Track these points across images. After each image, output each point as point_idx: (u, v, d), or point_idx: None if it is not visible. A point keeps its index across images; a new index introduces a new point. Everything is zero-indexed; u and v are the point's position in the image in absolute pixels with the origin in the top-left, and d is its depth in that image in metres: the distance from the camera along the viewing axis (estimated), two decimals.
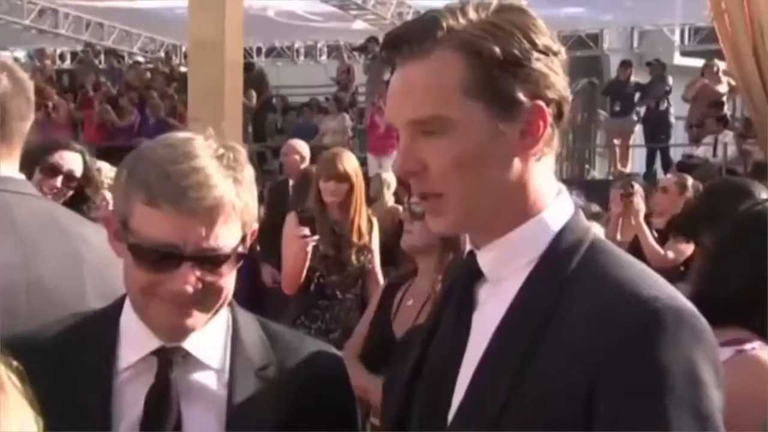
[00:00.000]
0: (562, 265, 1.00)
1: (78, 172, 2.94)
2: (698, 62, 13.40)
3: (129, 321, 1.22)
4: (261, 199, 6.05)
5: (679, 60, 14.28)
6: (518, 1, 1.03)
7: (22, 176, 1.50)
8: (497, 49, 0.97)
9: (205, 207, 1.11)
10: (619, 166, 11.31)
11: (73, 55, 15.78)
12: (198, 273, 1.13)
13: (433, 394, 1.06)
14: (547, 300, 0.97)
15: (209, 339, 1.22)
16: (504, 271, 1.03)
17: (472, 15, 0.99)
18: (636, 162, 11.93)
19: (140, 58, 15.69)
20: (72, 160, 2.99)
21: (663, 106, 11.07)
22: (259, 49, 16.36)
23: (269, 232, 4.35)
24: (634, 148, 11.81)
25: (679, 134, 11.43)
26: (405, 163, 1.01)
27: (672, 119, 11.19)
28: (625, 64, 11.60)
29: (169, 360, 1.18)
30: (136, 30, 16.18)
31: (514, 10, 1.01)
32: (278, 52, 16.67)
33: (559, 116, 1.02)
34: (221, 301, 1.19)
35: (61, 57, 16.93)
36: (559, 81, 1.01)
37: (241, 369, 1.22)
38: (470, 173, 0.98)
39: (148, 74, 13.13)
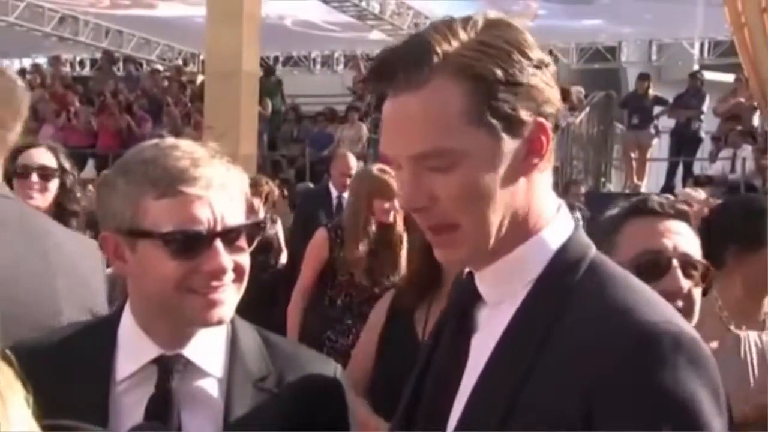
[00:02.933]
0: (559, 288, 0.96)
1: (51, 164, 2.83)
2: (718, 76, 13.33)
3: (127, 330, 1.21)
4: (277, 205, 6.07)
5: None
6: (503, 16, 0.99)
7: None
8: (498, 71, 0.93)
9: (218, 182, 1.14)
10: (635, 179, 11.23)
11: (93, 62, 15.95)
12: (229, 250, 1.15)
13: (430, 421, 1.03)
14: (542, 324, 0.94)
15: (209, 347, 1.21)
16: (502, 294, 1.00)
17: (462, 35, 0.95)
18: (653, 176, 11.84)
19: (159, 66, 15.82)
20: (40, 155, 2.87)
21: (695, 123, 10.94)
22: (276, 59, 16.46)
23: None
24: (651, 162, 11.72)
25: (704, 149, 11.34)
26: (414, 199, 0.96)
27: (702, 134, 11.09)
28: (643, 77, 11.53)
29: (170, 368, 1.17)
30: (154, 38, 16.33)
31: (503, 26, 0.97)
32: (295, 62, 16.77)
33: (555, 129, 0.99)
34: (245, 281, 1.19)
35: (81, 64, 17.13)
36: (554, 94, 0.98)
37: (239, 379, 1.21)
38: (483, 201, 0.95)
39: (165, 82, 13.23)
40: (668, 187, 10.92)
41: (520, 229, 0.98)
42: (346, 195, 5.13)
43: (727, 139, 10.22)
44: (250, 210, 1.23)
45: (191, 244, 1.12)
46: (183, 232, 1.12)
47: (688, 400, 0.87)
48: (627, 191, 10.53)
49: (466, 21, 0.97)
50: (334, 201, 5.54)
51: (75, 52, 16.85)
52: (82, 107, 12.17)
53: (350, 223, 3.72)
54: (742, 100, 10.32)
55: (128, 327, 1.21)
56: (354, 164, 5.64)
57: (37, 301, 1.37)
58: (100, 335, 1.22)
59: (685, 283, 1.46)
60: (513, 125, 0.95)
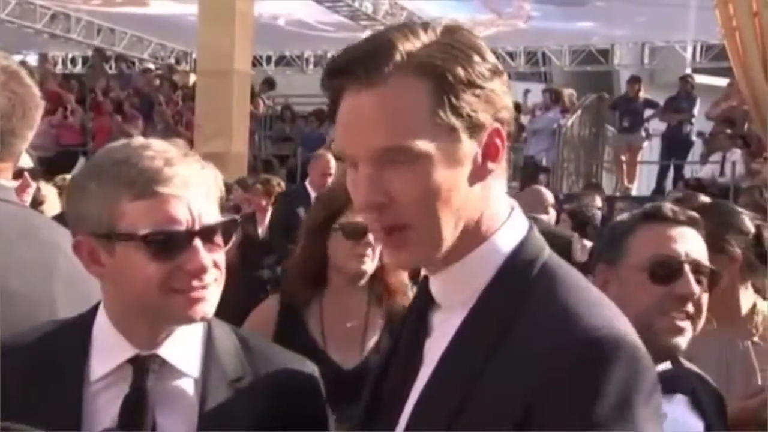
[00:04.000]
0: (509, 292, 0.96)
1: (30, 164, 2.83)
2: (710, 79, 13.36)
3: (102, 330, 1.20)
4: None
5: None
6: (460, 22, 0.99)
7: (6, 184, 1.47)
8: (460, 71, 0.93)
9: (193, 180, 1.13)
10: (626, 182, 11.26)
11: (84, 59, 15.88)
12: (207, 248, 1.15)
13: (386, 424, 1.02)
14: (491, 329, 0.94)
15: (185, 346, 1.20)
16: (455, 299, 1.00)
17: (423, 37, 0.95)
18: (644, 179, 11.87)
19: (150, 65, 15.76)
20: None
21: (686, 126, 10.98)
22: (269, 58, 16.42)
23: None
24: (642, 164, 11.75)
25: (695, 152, 11.38)
26: (370, 196, 0.94)
27: (693, 137, 11.13)
28: (633, 80, 11.56)
29: (146, 368, 1.17)
30: (147, 36, 16.25)
31: (462, 31, 0.97)
32: (288, 61, 16.73)
33: (509, 136, 0.99)
34: (220, 284, 1.19)
35: (72, 61, 17.04)
36: (508, 101, 0.98)
37: (214, 379, 1.21)
38: (438, 202, 0.94)
39: (157, 81, 13.19)
40: (659, 190, 10.96)
41: (473, 234, 0.98)
42: None
43: (717, 142, 10.25)
44: (223, 207, 1.22)
45: (171, 244, 1.12)
46: (162, 233, 1.11)
47: (623, 405, 0.87)
48: (618, 194, 10.55)
49: (426, 25, 0.97)
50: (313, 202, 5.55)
51: (66, 49, 16.76)
52: (78, 106, 12.13)
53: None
54: (735, 104, 10.36)
55: (103, 327, 1.20)
56: (334, 164, 5.64)
57: (32, 303, 1.36)
58: (73, 335, 1.21)
59: (697, 289, 1.48)
60: (473, 127, 0.94)
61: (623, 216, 1.64)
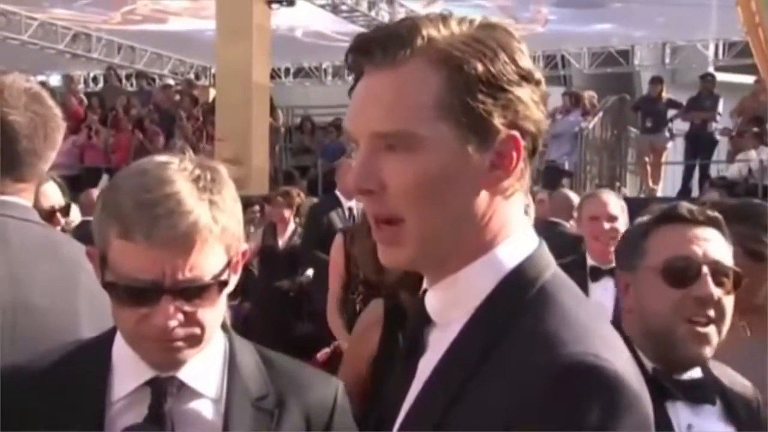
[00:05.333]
0: (503, 312, 0.89)
1: (59, 202, 2.85)
2: (733, 77, 13.19)
3: (121, 350, 1.18)
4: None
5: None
6: (503, 22, 0.94)
7: (27, 204, 1.48)
8: (480, 67, 0.87)
9: (179, 235, 1.06)
10: (651, 183, 11.13)
11: (106, 78, 16.07)
12: (180, 306, 1.09)
13: None
14: (479, 350, 0.88)
15: (205, 367, 1.18)
16: (450, 315, 0.94)
17: (455, 27, 0.90)
18: (669, 180, 11.73)
19: (170, 81, 15.90)
20: (51, 195, 2.86)
21: (710, 125, 10.83)
22: (287, 70, 16.50)
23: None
24: (667, 165, 11.61)
25: (721, 151, 11.22)
26: (363, 180, 0.90)
27: (717, 136, 10.99)
28: (656, 81, 11.44)
29: (163, 391, 1.15)
30: (166, 52, 16.43)
31: (499, 29, 0.92)
32: (306, 73, 16.81)
33: (533, 152, 0.93)
34: (208, 332, 1.14)
35: (94, 80, 17.27)
36: (537, 114, 0.92)
37: (237, 399, 1.19)
38: (432, 197, 0.88)
39: (177, 96, 13.31)
40: (685, 191, 10.82)
41: (474, 244, 0.91)
42: (355, 203, 5.20)
43: (743, 140, 10.10)
44: (231, 252, 1.15)
45: (138, 295, 1.08)
46: (131, 284, 1.08)
47: None
48: (642, 196, 10.43)
49: (463, 18, 0.92)
50: (347, 211, 5.52)
51: (88, 68, 16.99)
52: (102, 126, 12.26)
53: (360, 220, 3.75)
54: (762, 99, 10.21)
55: (122, 348, 1.18)
56: None
57: (56, 318, 1.36)
58: (94, 356, 1.20)
59: (716, 291, 1.41)
60: (483, 130, 0.89)
61: (640, 219, 1.56)
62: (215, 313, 1.14)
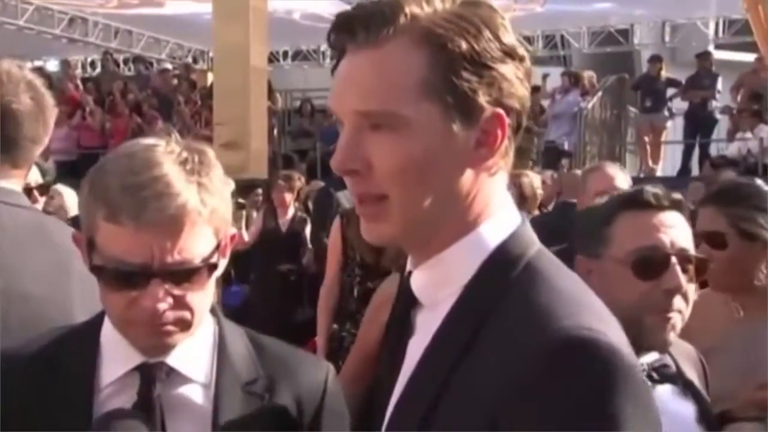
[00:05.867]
0: (490, 290, 0.89)
1: (36, 180, 2.84)
2: (734, 55, 13.11)
3: (110, 336, 1.18)
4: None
5: (714, 54, 13.96)
6: None
7: (18, 189, 1.48)
8: (464, 45, 0.87)
9: (167, 217, 1.06)
10: (650, 163, 11.10)
11: (103, 63, 15.99)
12: (169, 289, 1.08)
13: (377, 427, 0.98)
14: (468, 329, 0.88)
15: (194, 352, 1.18)
16: (436, 296, 0.94)
17: (438, 3, 0.89)
18: (669, 159, 11.70)
19: (168, 65, 15.82)
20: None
21: (710, 104, 10.76)
22: (285, 53, 16.41)
23: None
24: (666, 145, 11.58)
25: (720, 130, 11.17)
26: (346, 160, 0.90)
27: (717, 115, 10.92)
28: (655, 59, 11.38)
29: (152, 376, 1.15)
30: (164, 36, 16.32)
31: (482, 6, 0.91)
32: (304, 56, 16.71)
33: (517, 129, 0.93)
34: (198, 316, 1.14)
35: (92, 64, 17.18)
36: (522, 90, 0.91)
37: (227, 383, 1.19)
38: (418, 177, 0.88)
39: (175, 80, 13.25)
40: (685, 170, 10.79)
41: (458, 222, 0.91)
42: None
43: (743, 119, 10.06)
44: (221, 235, 1.15)
45: (127, 278, 1.08)
46: (119, 268, 1.07)
47: (602, 412, 0.79)
48: (642, 175, 10.41)
49: None
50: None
51: (86, 53, 16.90)
52: (97, 108, 12.23)
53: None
54: (763, 76, 10.14)
55: (110, 333, 1.18)
56: None
57: (48, 305, 1.37)
58: (82, 341, 1.20)
59: (685, 282, 1.39)
60: (468, 108, 0.88)
61: (599, 202, 1.51)
62: (204, 296, 1.13)
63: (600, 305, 0.90)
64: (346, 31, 0.90)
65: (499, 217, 0.93)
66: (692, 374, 1.49)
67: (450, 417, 0.85)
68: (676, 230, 1.41)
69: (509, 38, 0.90)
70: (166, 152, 1.10)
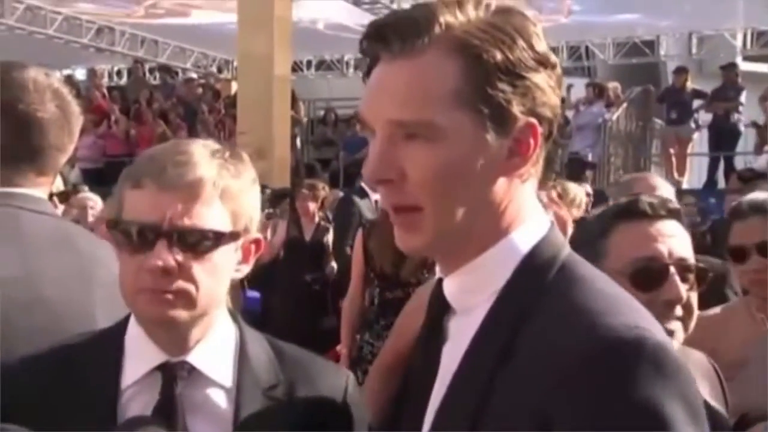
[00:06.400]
0: (526, 294, 0.89)
1: (61, 186, 2.87)
2: (762, 67, 12.93)
3: (134, 337, 1.19)
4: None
5: (742, 65, 13.82)
6: (518, 6, 0.93)
7: (43, 196, 1.49)
8: (499, 56, 0.87)
9: (184, 183, 1.11)
10: (676, 175, 10.99)
11: (129, 71, 16.19)
12: (174, 253, 1.10)
13: None
14: (507, 332, 0.88)
15: (215, 354, 1.19)
16: (470, 302, 0.94)
17: (471, 12, 0.90)
18: (695, 171, 11.57)
19: (193, 74, 15.98)
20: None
21: (733, 116, 10.65)
22: (309, 62, 16.50)
23: None
24: (692, 157, 11.45)
25: (748, 142, 11.04)
26: (380, 170, 0.90)
27: (741, 127, 10.80)
28: (680, 71, 11.28)
29: (174, 375, 1.16)
30: (189, 46, 16.50)
31: (515, 14, 0.92)
32: (328, 65, 16.79)
33: (548, 137, 0.93)
34: (203, 295, 1.14)
35: (118, 74, 17.42)
36: (554, 99, 0.92)
37: (248, 387, 1.19)
38: (452, 186, 0.89)
39: (199, 89, 13.38)
40: (711, 182, 10.66)
41: (491, 229, 0.92)
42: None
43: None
44: (239, 221, 1.17)
45: (137, 238, 1.11)
46: (133, 225, 1.11)
47: (652, 410, 0.79)
48: None
49: (479, 2, 0.91)
50: (373, 203, 5.54)
51: (112, 62, 17.13)
52: (123, 116, 12.37)
53: (378, 214, 3.74)
54: None
55: (135, 334, 1.19)
56: None
57: (69, 313, 1.37)
58: (106, 343, 1.21)
59: (685, 293, 1.35)
60: (503, 118, 0.89)
61: (596, 213, 1.49)
62: (212, 276, 1.13)
63: (637, 303, 0.90)
64: (380, 39, 0.91)
65: (530, 222, 0.94)
66: (703, 384, 1.46)
67: (499, 418, 0.85)
68: (674, 239, 1.39)
69: (542, 46, 0.91)
70: (200, 143, 1.17)
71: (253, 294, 6.05)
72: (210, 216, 1.12)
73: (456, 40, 0.88)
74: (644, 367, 0.80)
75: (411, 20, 0.89)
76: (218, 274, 1.15)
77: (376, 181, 0.91)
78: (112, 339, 1.20)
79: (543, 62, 0.90)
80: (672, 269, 1.35)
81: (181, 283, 1.11)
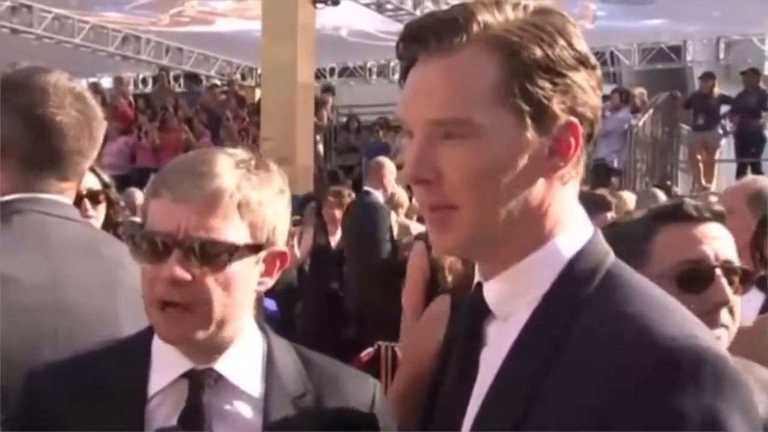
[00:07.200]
0: (571, 300, 0.87)
1: (96, 185, 2.83)
2: None
3: (160, 344, 1.17)
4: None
5: None
6: (555, 6, 0.92)
7: (68, 202, 1.48)
8: (539, 52, 0.86)
9: (201, 194, 1.09)
10: (703, 181, 10.84)
11: (155, 79, 16.37)
12: (188, 265, 1.08)
13: None
14: (552, 340, 0.85)
15: (243, 363, 1.17)
16: (512, 307, 0.92)
17: (509, 12, 0.89)
18: (722, 177, 11.41)
19: (217, 81, 16.10)
20: (86, 180, 2.86)
21: (756, 121, 10.52)
22: (332, 69, 16.56)
23: None
24: (719, 163, 11.30)
25: None
26: (418, 169, 0.88)
27: (766, 133, 10.65)
28: (707, 76, 11.15)
29: (201, 383, 1.14)
30: (213, 54, 16.64)
31: (555, 14, 0.90)
32: (351, 72, 16.84)
33: (589, 138, 0.91)
34: (217, 311, 1.11)
35: (144, 81, 17.61)
36: (595, 100, 0.91)
37: (276, 397, 1.17)
38: (490, 187, 0.87)
39: (223, 96, 13.45)
40: None
41: (533, 233, 0.90)
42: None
43: None
44: (259, 232, 1.14)
45: (152, 248, 1.10)
46: (150, 234, 1.10)
47: (712, 421, 0.77)
48: (695, 194, 10.16)
49: (517, 3, 0.90)
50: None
51: (138, 70, 17.33)
52: (152, 126, 12.47)
53: None
54: None
55: (161, 342, 1.16)
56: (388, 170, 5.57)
57: (94, 319, 1.37)
58: (133, 351, 1.19)
59: (732, 296, 1.33)
60: (542, 116, 0.87)
61: (637, 216, 1.46)
62: (228, 289, 1.11)
63: (690, 312, 0.88)
64: (417, 40, 0.90)
65: (572, 227, 0.92)
66: (761, 397, 1.40)
67: (545, 424, 0.83)
68: (719, 242, 1.36)
69: (582, 46, 0.89)
70: (226, 153, 1.15)
71: (269, 302, 6.02)
72: (226, 228, 1.09)
73: (495, 37, 0.87)
74: (703, 378, 0.78)
75: (449, 19, 0.88)
76: (236, 287, 1.12)
77: (415, 181, 0.89)
78: (139, 346, 1.19)
79: (583, 62, 0.89)
80: (718, 271, 1.33)
81: (193, 296, 1.09)
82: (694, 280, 1.33)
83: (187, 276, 1.08)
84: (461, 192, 0.87)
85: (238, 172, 1.11)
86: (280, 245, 1.17)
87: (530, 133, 0.87)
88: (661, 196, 4.97)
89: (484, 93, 0.86)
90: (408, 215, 5.76)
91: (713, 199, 4.16)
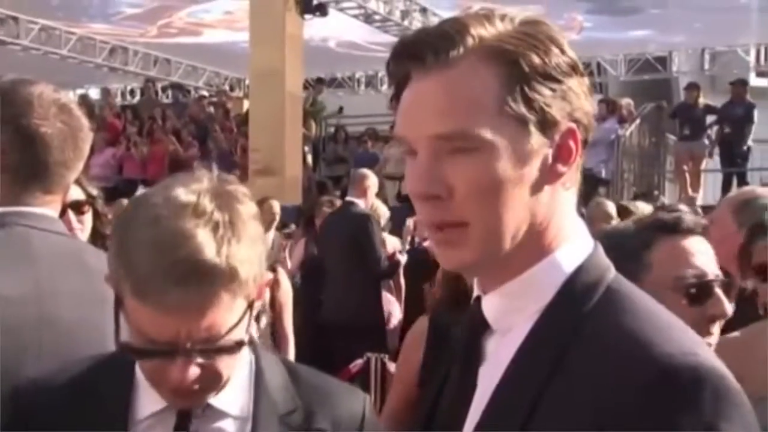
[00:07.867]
0: (571, 316, 0.86)
1: (81, 196, 2.80)
2: None
3: None
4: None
5: (755, 81, 13.76)
6: (542, 17, 0.92)
7: (53, 214, 1.46)
8: (536, 59, 0.86)
9: (195, 300, 1.01)
10: (690, 191, 10.91)
11: (142, 91, 16.32)
12: (196, 361, 1.05)
13: None
14: (551, 355, 0.85)
15: (231, 387, 1.15)
16: (511, 321, 0.91)
17: (500, 25, 0.89)
18: (709, 188, 11.48)
19: (205, 92, 16.08)
20: (71, 193, 2.83)
21: (743, 130, 10.60)
22: (320, 80, 16.58)
23: None
24: (706, 173, 11.38)
25: (757, 158, 10.96)
26: (429, 185, 0.86)
27: (750, 142, 10.73)
28: (692, 87, 11.24)
29: (189, 413, 1.12)
30: (201, 65, 16.62)
31: (542, 23, 0.90)
32: (339, 83, 16.86)
33: (584, 143, 0.91)
34: (226, 377, 1.11)
35: (131, 93, 17.55)
36: (588, 105, 0.91)
37: (264, 415, 1.16)
38: (501, 199, 0.86)
39: (211, 108, 13.43)
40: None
41: (535, 245, 0.89)
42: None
43: None
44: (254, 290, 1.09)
45: (153, 355, 1.05)
46: (147, 343, 1.04)
47: None
48: (679, 203, 10.21)
49: (503, 15, 0.90)
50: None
51: (125, 81, 17.27)
52: (142, 139, 12.40)
53: None
54: None
55: None
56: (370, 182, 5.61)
57: (83, 332, 1.35)
58: (119, 370, 1.17)
59: (729, 309, 1.37)
60: (545, 123, 0.86)
61: (630, 225, 1.49)
62: (234, 358, 1.09)
63: (689, 328, 0.87)
64: (411, 56, 0.88)
65: (574, 240, 0.92)
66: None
67: None
68: (707, 256, 1.41)
69: (572, 53, 0.90)
70: (195, 215, 1.02)
71: None
72: (226, 318, 1.04)
73: (491, 48, 0.86)
74: (704, 396, 0.77)
75: (443, 33, 0.87)
76: (239, 350, 1.09)
77: (425, 197, 0.87)
78: (125, 366, 1.16)
79: (575, 67, 0.90)
80: (716, 285, 1.37)
81: (205, 379, 1.07)
82: (698, 293, 1.36)
83: (198, 372, 1.04)
84: (473, 207, 0.86)
85: (224, 252, 1.01)
86: (267, 274, 1.12)
87: (534, 140, 0.87)
88: (645, 208, 4.97)
89: (487, 103, 0.85)
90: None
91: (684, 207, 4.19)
